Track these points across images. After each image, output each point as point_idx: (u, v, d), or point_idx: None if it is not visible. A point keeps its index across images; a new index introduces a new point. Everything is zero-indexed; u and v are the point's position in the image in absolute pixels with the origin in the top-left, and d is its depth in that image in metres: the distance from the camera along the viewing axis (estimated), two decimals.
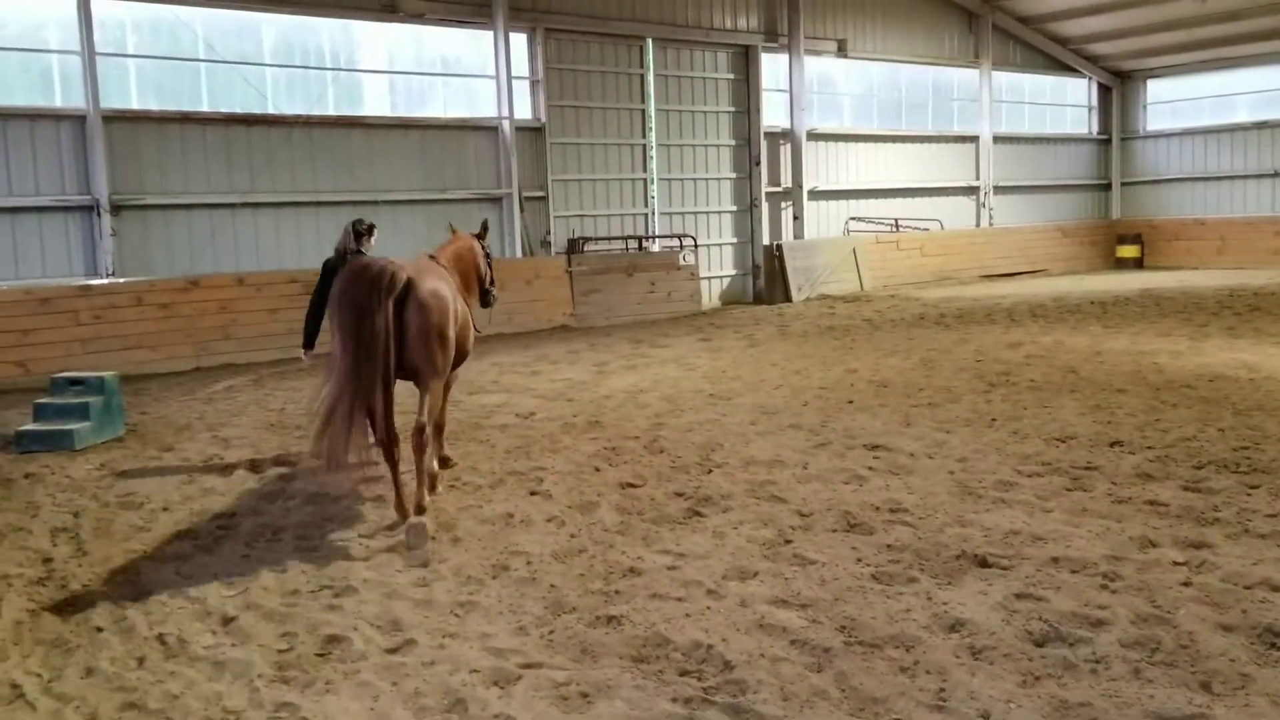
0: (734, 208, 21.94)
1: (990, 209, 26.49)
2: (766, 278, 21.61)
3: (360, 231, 8.27)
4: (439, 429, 7.27)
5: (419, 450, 6.22)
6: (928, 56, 25.17)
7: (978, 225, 26.33)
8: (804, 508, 6.30)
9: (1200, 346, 12.26)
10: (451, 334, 6.52)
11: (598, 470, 7.47)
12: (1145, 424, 8.22)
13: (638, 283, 18.97)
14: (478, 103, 18.47)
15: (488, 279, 8.10)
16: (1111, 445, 7.57)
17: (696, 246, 20.57)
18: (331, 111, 16.87)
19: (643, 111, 20.39)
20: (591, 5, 19.41)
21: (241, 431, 9.49)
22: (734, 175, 21.88)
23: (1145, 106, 29.17)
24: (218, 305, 14.85)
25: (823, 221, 23.40)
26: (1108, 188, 29.48)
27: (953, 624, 4.47)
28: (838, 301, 20.59)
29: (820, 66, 23.34)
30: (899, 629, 4.45)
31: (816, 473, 7.14)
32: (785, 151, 22.49)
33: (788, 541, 5.70)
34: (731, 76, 21.67)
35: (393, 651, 4.51)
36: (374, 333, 5.93)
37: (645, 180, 20.56)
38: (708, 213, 21.58)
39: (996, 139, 26.54)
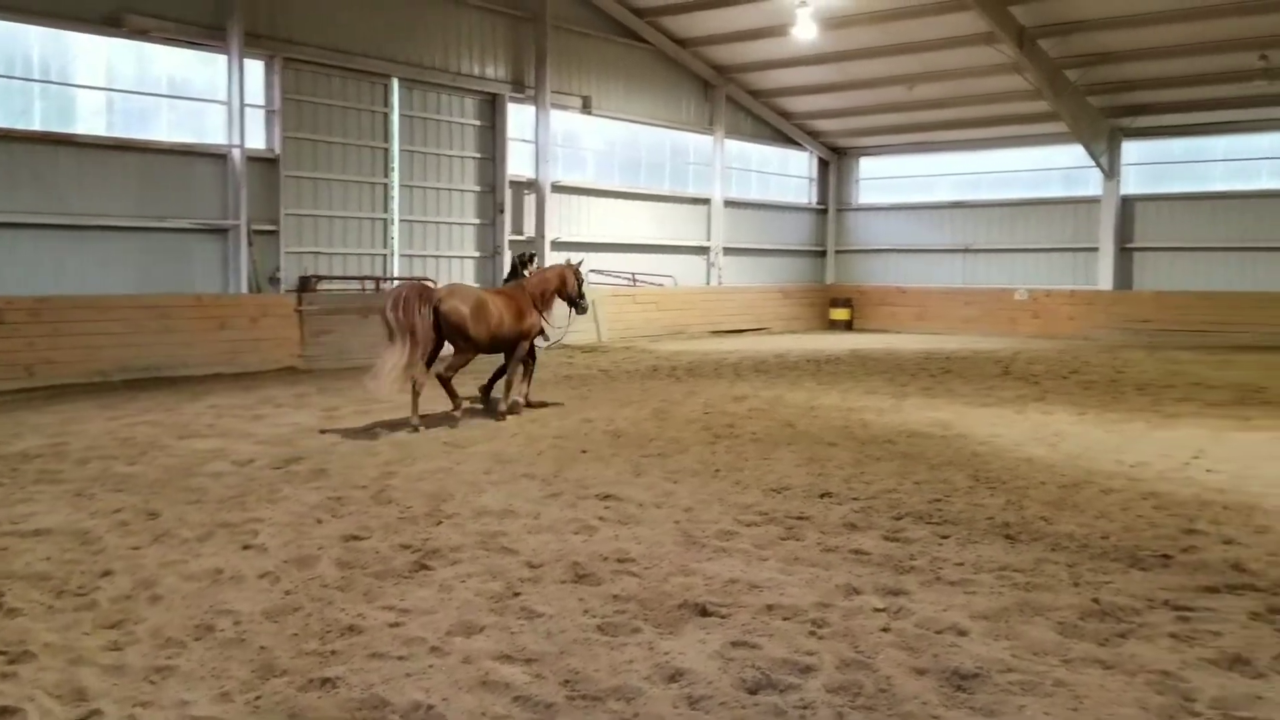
0: (476, 254, 21.89)
1: (720, 268, 27.81)
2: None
3: (523, 260, 12.97)
4: (509, 383, 12.12)
5: (445, 382, 11.26)
6: (666, 120, 26.25)
7: (708, 283, 27.57)
8: (534, 559, 6.27)
9: (901, 405, 13.31)
10: (471, 329, 10.99)
11: (320, 522, 7.13)
12: (852, 476, 8.79)
13: (374, 325, 18.37)
14: (206, 129, 17.52)
15: (575, 293, 12.54)
16: (822, 496, 8.04)
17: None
18: (38, 127, 15.49)
19: (385, 150, 20.05)
20: (335, 39, 18.93)
21: None
22: (478, 221, 21.86)
23: (858, 181, 31.69)
24: None
25: None
26: (824, 254, 31.71)
27: (673, 674, 4.55)
28: (576, 351, 20.88)
29: (566, 121, 23.82)
30: (621, 681, 4.48)
31: (548, 523, 7.14)
32: (529, 201, 22.71)
33: (516, 594, 5.65)
34: (478, 123, 21.72)
35: None
36: (414, 324, 10.52)
37: (386, 220, 20.17)
38: (449, 257, 21.41)
39: (727, 203, 27.97)
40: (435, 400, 11.73)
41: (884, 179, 31.39)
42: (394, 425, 11.25)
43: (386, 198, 20.14)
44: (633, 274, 25.29)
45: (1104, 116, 26.24)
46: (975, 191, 29.55)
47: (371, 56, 19.52)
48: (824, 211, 31.75)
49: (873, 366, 18.34)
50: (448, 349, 11.46)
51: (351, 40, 19.21)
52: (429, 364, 11.11)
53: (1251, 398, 14.17)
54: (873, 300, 30.07)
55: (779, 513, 7.49)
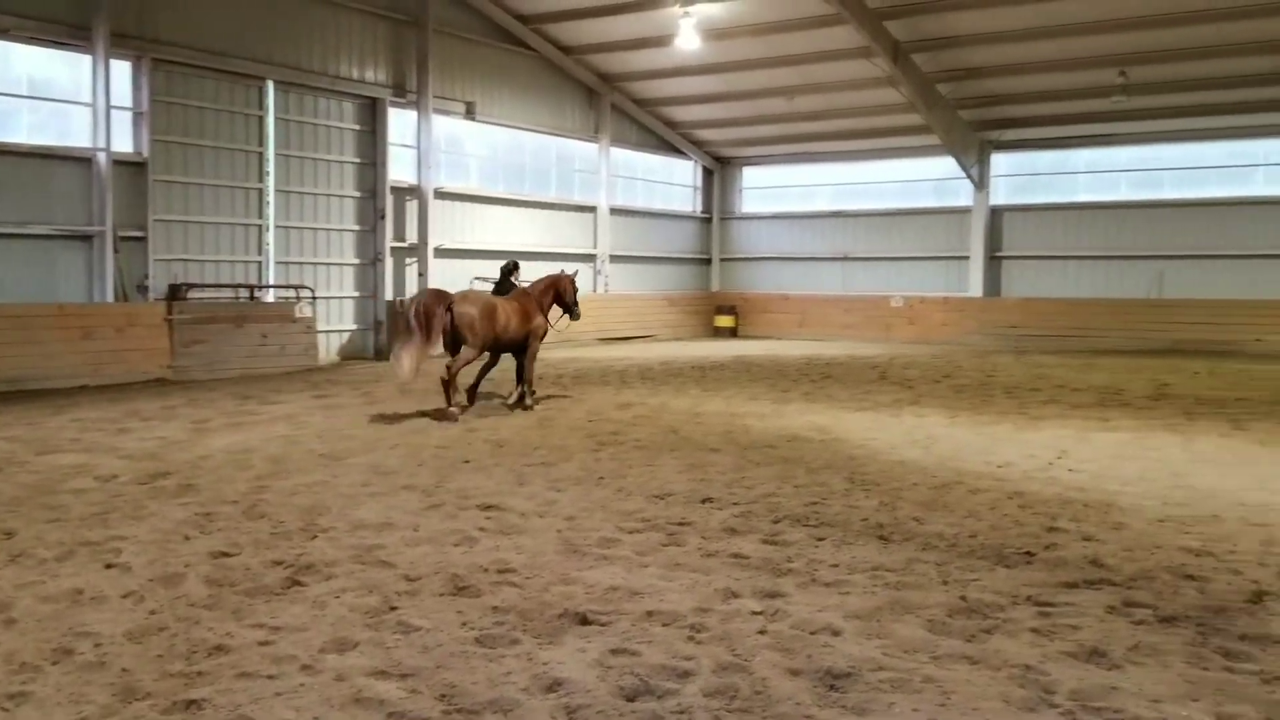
0: (357, 261, 21.47)
1: (606, 276, 27.89)
2: (389, 333, 21.27)
3: (509, 270, 15.13)
4: (529, 379, 13.61)
5: (449, 382, 12.28)
6: (552, 127, 26.22)
7: (595, 291, 27.59)
8: (412, 572, 6.17)
9: (782, 410, 13.55)
10: (479, 328, 12.38)
11: (187, 539, 6.89)
12: (733, 481, 8.91)
13: (248, 334, 17.94)
14: (70, 131, 16.80)
15: (571, 300, 13.83)
16: (704, 501, 8.12)
17: (315, 298, 19.87)
18: None
19: (260, 155, 19.51)
20: (207, 39, 18.35)
21: None
22: (358, 228, 21.44)
23: (741, 190, 32.19)
24: None
25: (448, 279, 23.35)
26: (709, 262, 32.10)
27: (551, 684, 4.53)
28: None
29: (449, 126, 23.58)
30: (499, 693, 4.44)
31: (427, 535, 7.04)
32: (412, 207, 22.39)
33: (393, 608, 5.55)
34: (358, 127, 21.32)
35: None
36: (432, 320, 12.05)
37: (261, 227, 19.62)
38: (328, 264, 20.95)
39: (613, 211, 28.07)
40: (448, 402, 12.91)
41: (766, 188, 31.95)
42: (266, 439, 10.97)
43: (261, 203, 19.60)
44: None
45: (974, 130, 27.24)
46: (853, 201, 30.32)
47: (245, 58, 18.99)
48: (709, 220, 32.14)
49: (756, 373, 18.63)
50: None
51: (224, 41, 18.65)
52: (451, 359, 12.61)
53: (1111, 400, 14.86)
54: (757, 307, 30.56)
55: (661, 519, 7.54)
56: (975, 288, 27.89)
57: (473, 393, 13.58)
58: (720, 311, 30.68)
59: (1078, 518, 7.69)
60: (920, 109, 24.83)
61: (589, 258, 27.53)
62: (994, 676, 4.67)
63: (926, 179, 29.28)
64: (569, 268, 14.75)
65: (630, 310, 28.04)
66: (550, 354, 22.31)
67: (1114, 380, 17.51)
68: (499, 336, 12.83)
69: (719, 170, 32.08)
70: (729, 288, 31.82)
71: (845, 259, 30.16)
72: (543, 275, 14.04)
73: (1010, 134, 27.27)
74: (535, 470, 9.34)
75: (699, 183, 31.96)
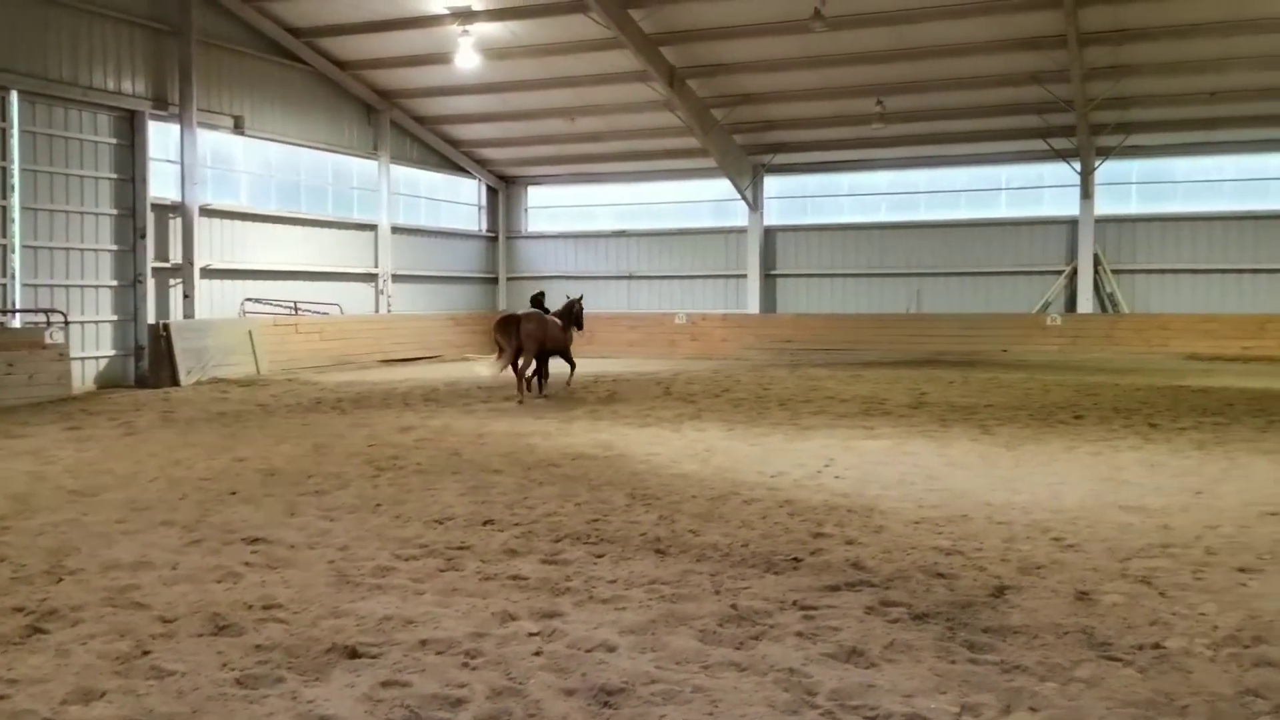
0: (115, 282, 20.12)
1: (389, 296, 27.29)
2: (151, 359, 20.03)
3: (539, 299, 18.08)
4: (571, 371, 18.57)
5: (520, 375, 17.12)
6: (328, 143, 25.49)
7: (377, 311, 26.96)
8: (168, 613, 5.81)
9: (568, 428, 13.62)
10: (535, 338, 16.85)
11: None
12: (515, 502, 8.87)
13: None
14: None
15: (579, 315, 18.18)
16: (484, 524, 8.04)
17: (67, 323, 18.48)
18: None
19: (4, 170, 18.02)
20: None
21: None
22: (116, 247, 20.11)
23: (527, 210, 32.27)
24: None
25: (217, 301, 22.37)
26: (496, 281, 31.98)
27: None
28: (231, 385, 19.70)
29: (216, 141, 22.53)
30: None
31: (187, 573, 6.65)
32: (176, 226, 21.23)
33: (146, 652, 5.21)
34: (114, 141, 20.01)
35: None
36: (511, 337, 16.94)
37: (5, 247, 18.09)
38: (82, 286, 19.53)
39: (395, 229, 27.55)
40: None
41: (551, 208, 32.17)
42: (9, 476, 10.11)
43: (5, 221, 18.08)
44: (294, 302, 24.25)
45: (747, 153, 28.38)
46: (636, 221, 30.96)
47: None
48: (494, 239, 32.03)
49: None
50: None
51: None
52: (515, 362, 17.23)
53: (875, 409, 15.75)
54: None
55: (439, 544, 7.41)
56: (753, 304, 29.00)
57: (532, 384, 17.44)
58: None
59: (842, 523, 8.09)
60: (696, 132, 25.65)
61: (370, 277, 26.89)
62: (760, 682, 4.83)
63: (705, 200, 30.26)
64: (571, 293, 19.14)
65: (414, 330, 27.51)
66: (328, 378, 21.65)
67: (877, 391, 18.55)
68: (545, 344, 17.20)
69: (504, 189, 32.04)
70: (517, 307, 31.72)
71: (630, 277, 30.73)
72: (563, 302, 18.31)
73: (781, 158, 28.57)
74: (308, 499, 9.01)
75: (484, 201, 31.80)
